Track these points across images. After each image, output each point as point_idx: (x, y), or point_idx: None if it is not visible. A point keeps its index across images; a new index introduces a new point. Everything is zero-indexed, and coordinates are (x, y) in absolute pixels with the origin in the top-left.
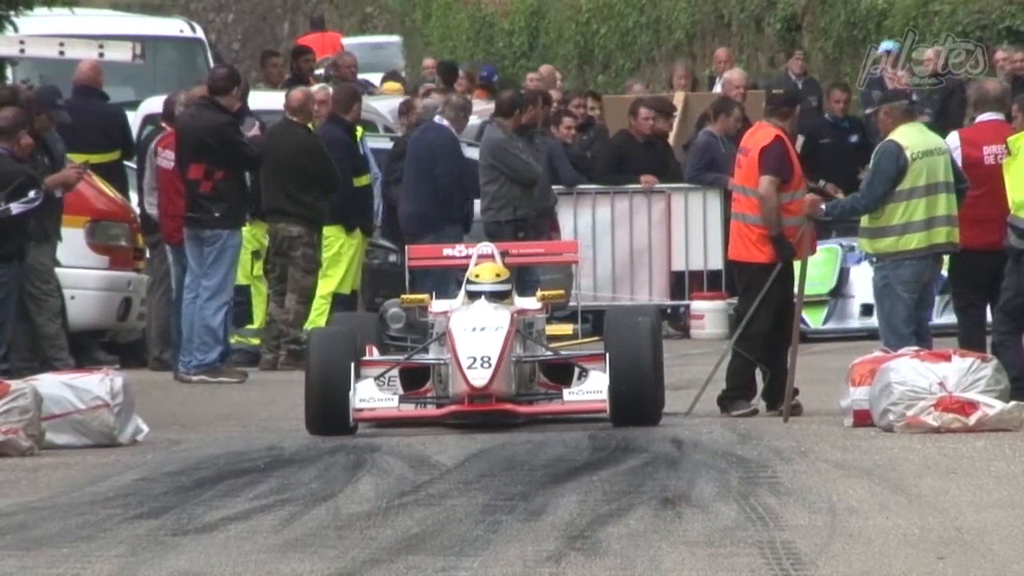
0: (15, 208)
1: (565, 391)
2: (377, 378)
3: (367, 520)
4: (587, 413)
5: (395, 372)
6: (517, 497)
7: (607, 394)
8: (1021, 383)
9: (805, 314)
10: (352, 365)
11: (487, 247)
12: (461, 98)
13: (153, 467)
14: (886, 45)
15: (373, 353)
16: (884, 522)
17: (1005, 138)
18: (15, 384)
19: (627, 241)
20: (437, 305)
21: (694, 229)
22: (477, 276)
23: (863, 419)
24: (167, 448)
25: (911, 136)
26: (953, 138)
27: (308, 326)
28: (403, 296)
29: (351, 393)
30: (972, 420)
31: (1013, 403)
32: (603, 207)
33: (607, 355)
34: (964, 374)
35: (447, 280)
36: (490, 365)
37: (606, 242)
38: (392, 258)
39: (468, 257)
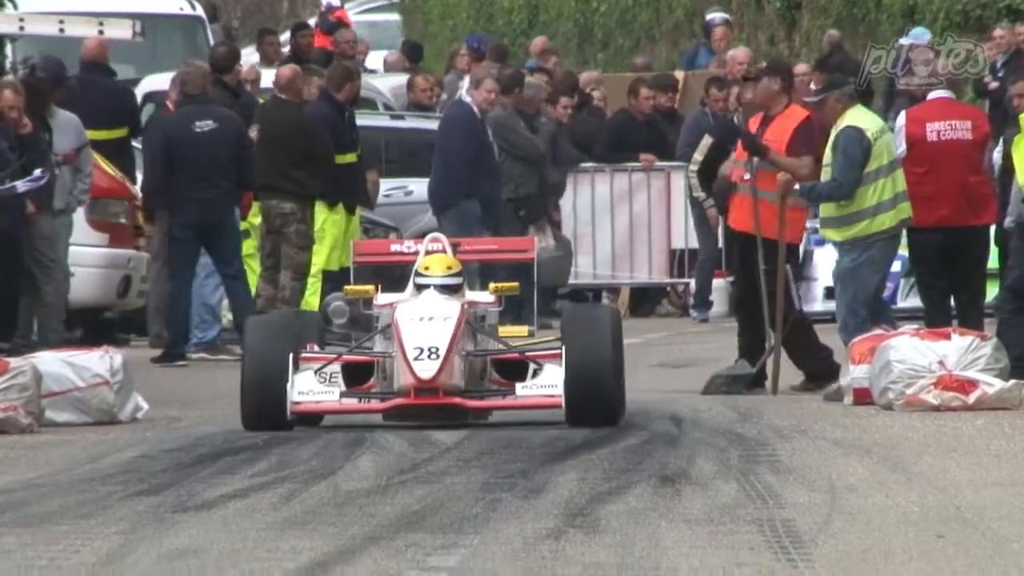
0: (21, 186)
1: (518, 385)
2: (317, 371)
3: (366, 497)
4: (540, 408)
5: (337, 367)
6: (516, 475)
7: (562, 389)
8: (1022, 362)
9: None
10: (291, 356)
11: (438, 239)
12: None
13: (153, 444)
14: (917, 32)
15: (314, 348)
16: (883, 500)
17: (952, 116)
18: (14, 362)
19: (626, 219)
20: (383, 298)
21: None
22: (427, 268)
23: (863, 397)
24: (167, 425)
25: (863, 118)
26: (901, 116)
27: (303, 306)
28: (347, 288)
29: (289, 385)
30: (972, 399)
31: (1013, 382)
32: (602, 185)
33: (563, 349)
34: (964, 352)
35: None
36: (438, 356)
37: (605, 220)
38: (392, 235)
39: (416, 253)
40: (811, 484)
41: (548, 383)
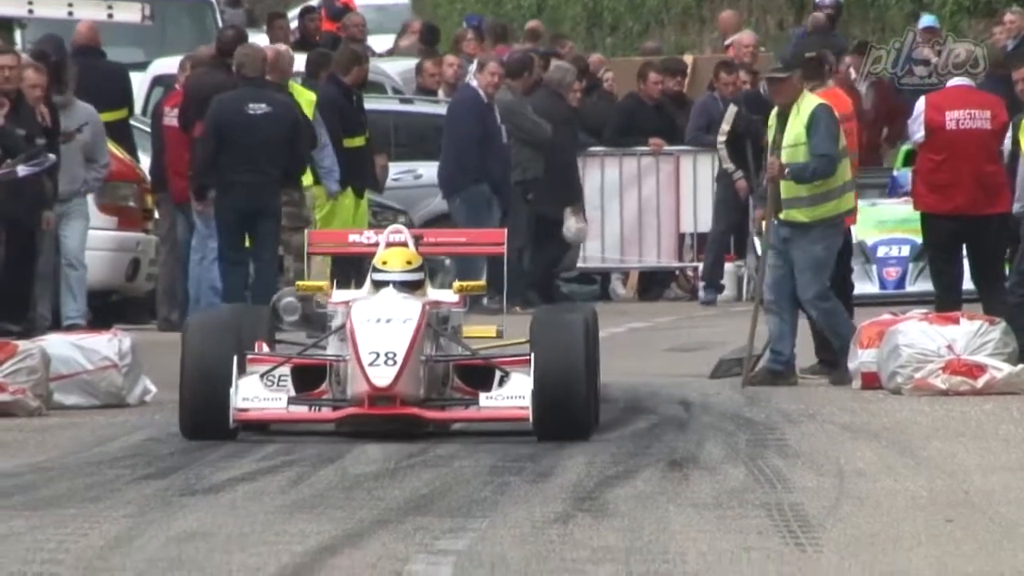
0: (21, 170)
1: (482, 395)
2: (264, 375)
3: (375, 481)
4: (506, 420)
5: (286, 370)
6: (524, 459)
7: (530, 400)
8: None
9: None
10: (235, 359)
11: (399, 231)
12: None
13: (161, 428)
14: (926, 20)
15: (263, 349)
16: (892, 484)
17: (971, 105)
18: (23, 344)
19: (635, 203)
20: (338, 294)
21: (702, 191)
22: (384, 263)
23: (871, 381)
24: (175, 409)
25: (823, 99)
26: (920, 102)
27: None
28: (298, 283)
29: (232, 391)
30: (980, 383)
31: (1021, 366)
32: (611, 169)
33: (532, 356)
34: (972, 337)
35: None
36: (395, 362)
37: (614, 204)
38: (401, 219)
39: (376, 244)
40: (819, 468)
41: (514, 393)
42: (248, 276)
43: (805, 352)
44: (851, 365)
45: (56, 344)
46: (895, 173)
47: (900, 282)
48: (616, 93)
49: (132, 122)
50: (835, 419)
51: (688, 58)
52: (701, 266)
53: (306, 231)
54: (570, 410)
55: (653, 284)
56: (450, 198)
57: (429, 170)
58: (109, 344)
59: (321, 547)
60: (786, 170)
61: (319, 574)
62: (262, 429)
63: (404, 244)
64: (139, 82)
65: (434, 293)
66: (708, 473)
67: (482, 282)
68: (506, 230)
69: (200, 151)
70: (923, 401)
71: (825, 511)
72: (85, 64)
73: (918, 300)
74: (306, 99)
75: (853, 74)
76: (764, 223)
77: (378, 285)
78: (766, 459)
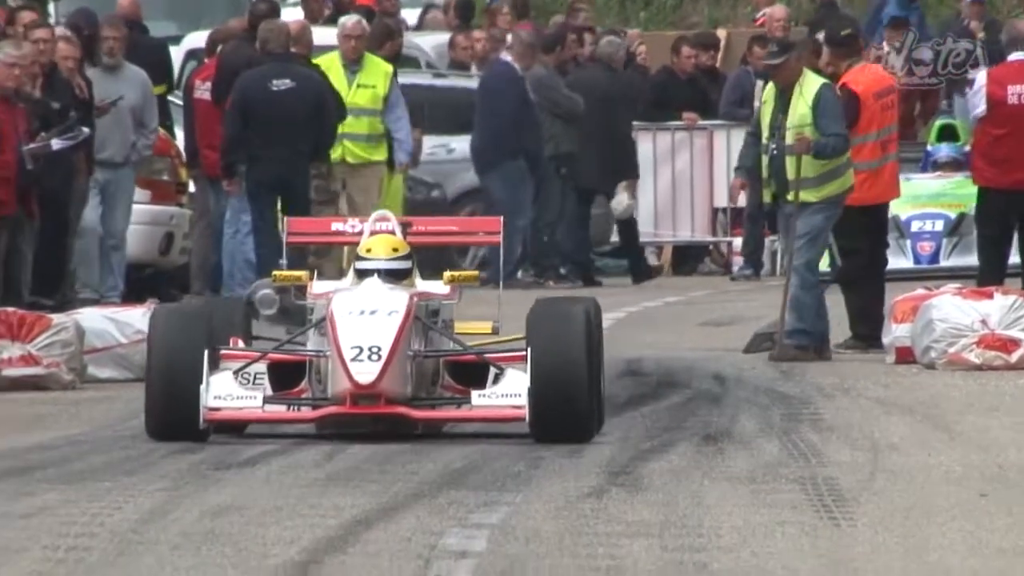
0: (56, 143)
1: (475, 394)
2: (237, 372)
3: (409, 455)
4: (500, 420)
5: (263, 368)
6: None
7: (526, 399)
8: None
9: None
10: (206, 354)
11: (385, 218)
12: (529, 35)
13: None
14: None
15: (238, 345)
16: (926, 459)
17: None
18: (57, 318)
19: (669, 177)
20: (319, 286)
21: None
22: (369, 251)
23: (905, 356)
24: None
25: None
26: (981, 76)
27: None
28: (276, 273)
29: (203, 388)
30: (1014, 357)
31: None
32: (645, 143)
33: (528, 352)
34: (1006, 312)
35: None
36: (379, 357)
37: (648, 178)
38: (434, 192)
39: (360, 233)
40: (853, 442)
41: (509, 391)
42: (283, 249)
43: (840, 328)
44: (885, 340)
45: (90, 317)
46: (929, 148)
47: (934, 257)
48: (649, 67)
49: (169, 97)
50: (869, 393)
51: (721, 32)
52: (735, 241)
53: (285, 219)
54: (569, 410)
55: (687, 258)
56: (485, 173)
57: (462, 144)
58: (143, 317)
59: (355, 520)
60: (811, 144)
61: (353, 547)
62: (238, 430)
63: (391, 232)
64: (173, 56)
65: (423, 284)
66: (742, 447)
67: (475, 272)
68: (502, 218)
69: (227, 128)
70: (957, 375)
71: (859, 485)
72: (128, 38)
73: (952, 275)
74: (383, 70)
75: (886, 49)
76: (743, 193)
77: (362, 275)
78: (800, 433)
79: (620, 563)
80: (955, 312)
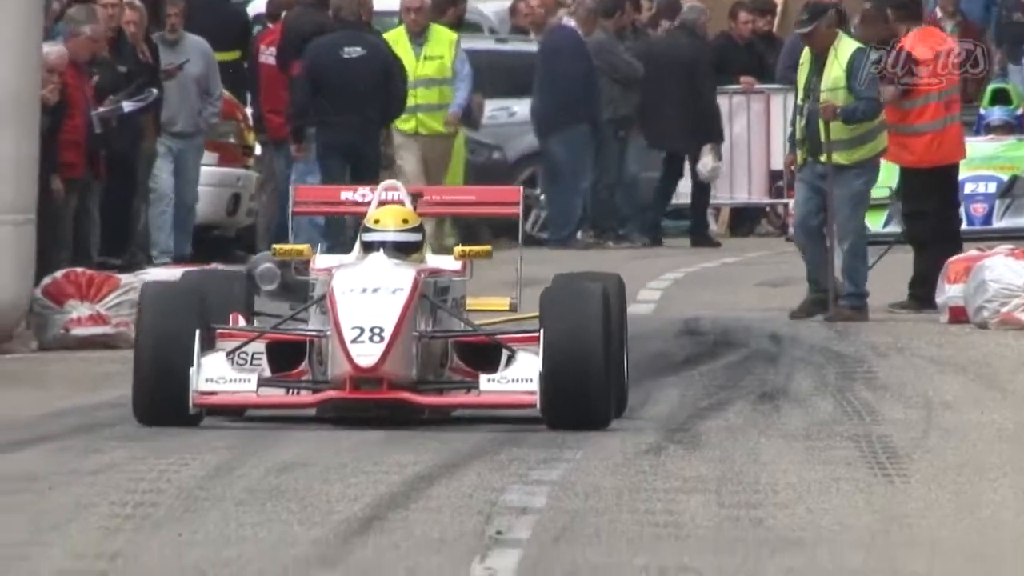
0: (127, 106)
1: (483, 378)
2: (232, 352)
3: (470, 414)
4: (509, 407)
5: (260, 347)
6: None
7: (538, 384)
8: None
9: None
10: (197, 333)
11: (395, 188)
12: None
13: None
14: None
15: (238, 322)
16: (979, 417)
17: None
18: (125, 278)
19: (727, 141)
20: (322, 260)
21: None
22: (376, 222)
23: (958, 316)
24: None
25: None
26: None
27: None
28: (276, 247)
29: (193, 370)
30: None
31: None
32: None
33: (541, 333)
34: None
35: None
36: (382, 339)
37: None
38: (496, 155)
39: (369, 203)
40: (907, 401)
41: (520, 376)
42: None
43: (896, 287)
44: (938, 300)
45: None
46: (982, 111)
47: (987, 218)
48: (707, 32)
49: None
50: (922, 352)
51: None
52: (791, 203)
53: (293, 187)
54: (583, 395)
55: (744, 220)
56: (546, 136)
57: (523, 107)
58: None
59: (418, 477)
60: (837, 110)
61: (415, 503)
62: (236, 415)
63: (400, 203)
64: None
65: (433, 259)
66: (798, 405)
67: (488, 247)
68: (521, 188)
69: (297, 94)
70: (1009, 335)
71: (912, 443)
72: (201, 2)
73: (1004, 236)
74: (448, 39)
75: (939, 14)
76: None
77: (368, 247)
78: (855, 391)
79: (678, 518)
80: (1007, 273)
